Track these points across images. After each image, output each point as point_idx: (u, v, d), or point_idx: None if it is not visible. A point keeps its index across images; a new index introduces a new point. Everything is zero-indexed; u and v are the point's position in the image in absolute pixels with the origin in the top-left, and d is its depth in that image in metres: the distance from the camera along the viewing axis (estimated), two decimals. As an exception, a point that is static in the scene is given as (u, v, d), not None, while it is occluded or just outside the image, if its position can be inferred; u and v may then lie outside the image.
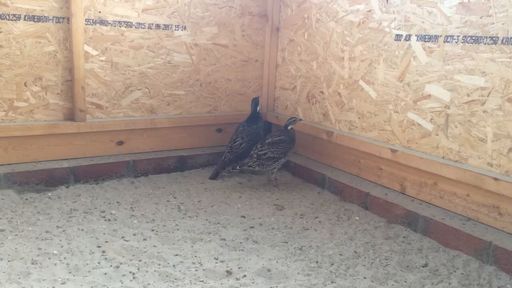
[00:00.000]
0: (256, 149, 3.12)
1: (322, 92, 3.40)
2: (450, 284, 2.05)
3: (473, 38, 2.41)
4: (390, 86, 2.87)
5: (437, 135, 2.63)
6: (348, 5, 3.10)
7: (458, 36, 2.48)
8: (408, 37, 2.73)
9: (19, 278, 1.93)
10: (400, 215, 2.64)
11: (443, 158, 2.61)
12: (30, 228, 2.38)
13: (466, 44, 2.45)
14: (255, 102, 3.48)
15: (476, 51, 2.41)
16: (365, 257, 2.28)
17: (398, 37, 2.79)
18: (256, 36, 3.76)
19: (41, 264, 2.05)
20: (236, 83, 3.76)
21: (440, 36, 2.56)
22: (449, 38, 2.53)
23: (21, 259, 2.08)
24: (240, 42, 3.70)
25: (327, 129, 3.30)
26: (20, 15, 2.84)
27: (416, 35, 2.69)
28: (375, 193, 2.84)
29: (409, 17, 2.72)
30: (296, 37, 3.59)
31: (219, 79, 3.67)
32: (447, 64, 2.55)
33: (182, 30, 3.40)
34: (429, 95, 2.65)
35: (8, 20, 2.81)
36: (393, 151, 2.81)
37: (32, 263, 2.05)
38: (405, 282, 2.07)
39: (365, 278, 2.09)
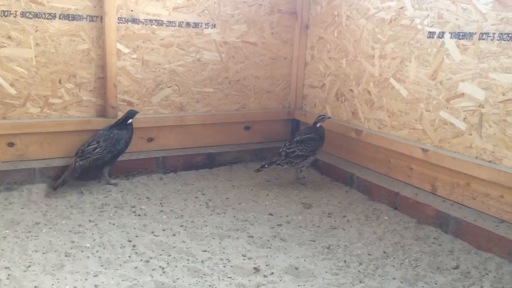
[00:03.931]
0: (285, 147, 3.11)
1: (351, 90, 3.36)
2: (482, 287, 2.01)
3: (510, 35, 2.34)
4: (422, 84, 2.82)
5: (471, 134, 2.57)
6: (379, 2, 3.05)
7: (494, 33, 2.41)
8: (441, 35, 2.68)
9: (54, 270, 1.99)
10: (430, 215, 2.59)
11: (476, 158, 2.55)
12: (63, 222, 2.45)
13: (502, 41, 2.38)
14: (129, 113, 3.06)
15: (513, 49, 2.34)
16: (394, 258, 2.25)
17: (431, 34, 2.74)
18: (285, 33, 3.75)
19: (74, 256, 2.11)
20: (264, 81, 3.76)
21: (475, 33, 2.50)
22: (484, 35, 2.46)
23: (55, 251, 2.14)
24: (269, 40, 3.70)
25: (356, 128, 3.27)
26: (55, 14, 2.91)
27: (449, 32, 2.63)
28: (405, 193, 2.80)
29: (442, 14, 2.66)
30: (326, 34, 3.56)
31: (248, 76, 3.68)
32: (482, 62, 2.48)
33: (211, 28, 3.42)
34: (463, 93, 2.59)
35: (44, 19, 2.89)
36: (424, 150, 2.76)
37: (66, 256, 2.11)
38: (436, 284, 2.03)
39: (394, 278, 2.06)
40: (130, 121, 3.05)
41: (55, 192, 2.77)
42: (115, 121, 3.08)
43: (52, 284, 1.88)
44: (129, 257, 2.14)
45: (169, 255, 2.17)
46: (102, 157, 2.91)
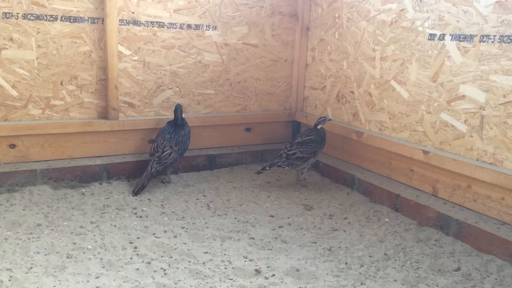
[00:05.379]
0: (286, 148, 3.12)
1: (352, 92, 3.37)
2: (483, 289, 2.01)
3: (510, 37, 2.35)
4: (423, 87, 2.83)
5: (472, 136, 2.58)
6: (380, 4, 3.06)
7: (495, 35, 2.42)
8: (442, 37, 2.68)
9: (55, 272, 1.99)
10: (431, 217, 2.59)
11: (477, 160, 2.55)
12: (65, 223, 2.45)
13: (503, 43, 2.39)
14: (179, 108, 3.14)
15: (514, 51, 2.34)
16: (395, 260, 2.25)
17: (431, 36, 2.74)
18: (286, 35, 3.76)
19: (76, 258, 2.11)
20: (265, 83, 3.77)
21: (476, 35, 2.51)
22: (485, 37, 2.47)
23: (57, 253, 2.15)
24: (270, 41, 3.70)
25: (357, 130, 3.27)
26: (57, 16, 2.92)
27: (450, 35, 2.64)
28: (406, 195, 2.80)
29: (443, 16, 2.67)
30: (327, 36, 3.57)
31: (249, 78, 3.69)
32: (482, 64, 2.49)
33: (212, 30, 3.43)
34: (464, 95, 2.60)
35: (46, 20, 2.89)
36: (425, 152, 2.77)
37: (68, 257, 2.11)
38: (437, 286, 2.03)
39: (395, 280, 2.07)
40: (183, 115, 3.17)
41: (135, 197, 2.86)
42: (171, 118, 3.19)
43: (54, 286, 1.89)
44: (131, 258, 2.14)
45: (171, 257, 2.17)
46: (176, 160, 3.10)
